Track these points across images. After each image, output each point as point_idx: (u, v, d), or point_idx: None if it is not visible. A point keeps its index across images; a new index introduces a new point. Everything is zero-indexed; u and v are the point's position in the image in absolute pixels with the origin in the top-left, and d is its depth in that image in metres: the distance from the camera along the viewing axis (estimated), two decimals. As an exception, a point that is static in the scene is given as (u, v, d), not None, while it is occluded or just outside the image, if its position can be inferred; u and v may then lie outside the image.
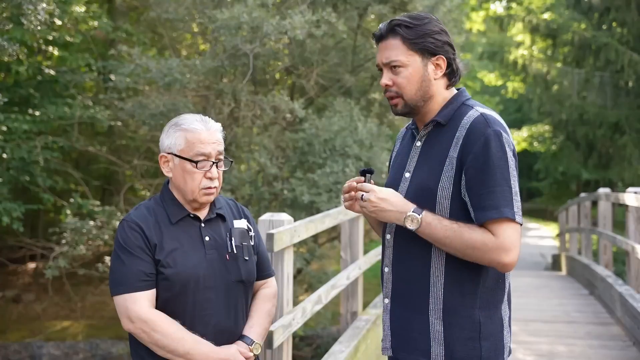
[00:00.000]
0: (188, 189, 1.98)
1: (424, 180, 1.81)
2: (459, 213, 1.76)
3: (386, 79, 1.83)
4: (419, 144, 1.87)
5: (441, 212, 1.77)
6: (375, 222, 2.09)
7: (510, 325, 1.87)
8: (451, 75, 1.85)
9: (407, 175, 1.86)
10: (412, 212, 1.74)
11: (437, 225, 1.73)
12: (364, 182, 1.88)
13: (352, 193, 1.87)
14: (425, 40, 1.78)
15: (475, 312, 1.78)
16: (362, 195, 1.78)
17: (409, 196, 1.83)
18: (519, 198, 1.73)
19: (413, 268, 1.83)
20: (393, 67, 1.81)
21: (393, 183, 1.91)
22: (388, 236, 1.90)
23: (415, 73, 1.80)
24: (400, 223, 1.77)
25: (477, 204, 1.72)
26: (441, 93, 1.85)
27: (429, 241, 1.77)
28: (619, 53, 13.05)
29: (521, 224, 1.73)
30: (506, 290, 1.85)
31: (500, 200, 1.70)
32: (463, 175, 1.74)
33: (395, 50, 1.80)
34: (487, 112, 1.79)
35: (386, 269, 1.91)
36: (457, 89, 1.90)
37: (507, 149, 1.73)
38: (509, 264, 1.70)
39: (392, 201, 1.76)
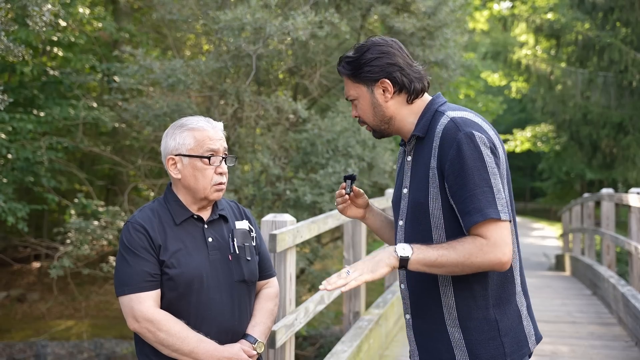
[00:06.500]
0: (200, 186, 2.02)
1: (415, 195, 1.84)
2: (454, 221, 1.78)
3: (353, 111, 1.95)
4: (409, 158, 1.91)
5: (436, 224, 1.79)
6: (376, 228, 2.14)
7: (530, 314, 1.87)
8: (405, 90, 1.86)
9: (405, 191, 1.90)
10: (395, 250, 1.70)
11: (427, 248, 1.71)
12: (345, 187, 2.02)
13: (342, 202, 2.07)
14: (362, 70, 1.85)
15: (489, 312, 1.79)
16: (347, 272, 1.70)
17: (408, 212, 1.87)
18: (502, 195, 1.73)
19: (422, 281, 1.85)
20: (352, 101, 1.92)
21: (397, 200, 1.95)
22: None
23: (365, 102, 1.89)
24: (394, 262, 1.71)
25: (462, 210, 1.73)
26: (404, 109, 1.88)
27: (428, 271, 1.74)
28: (622, 53, 13.02)
29: (510, 220, 1.73)
30: (517, 281, 1.85)
31: (482, 202, 1.70)
32: (445, 183, 1.76)
33: (347, 86, 1.92)
34: (457, 115, 1.79)
35: (402, 286, 1.94)
36: (432, 97, 1.91)
37: (482, 148, 1.72)
38: (506, 262, 1.71)
39: (372, 259, 1.72)
